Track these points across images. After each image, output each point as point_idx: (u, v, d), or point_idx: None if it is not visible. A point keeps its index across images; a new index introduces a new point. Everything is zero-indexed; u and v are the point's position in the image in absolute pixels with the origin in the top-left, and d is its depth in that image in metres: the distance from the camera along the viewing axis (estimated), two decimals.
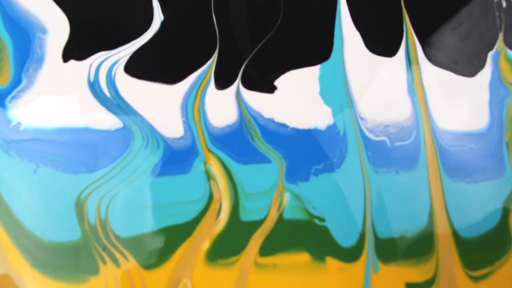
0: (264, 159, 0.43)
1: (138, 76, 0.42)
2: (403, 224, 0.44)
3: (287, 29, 0.44)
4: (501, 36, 0.48)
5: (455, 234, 0.45)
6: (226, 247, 0.42)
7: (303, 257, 0.43)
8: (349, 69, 0.45)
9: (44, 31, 0.42)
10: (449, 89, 0.46)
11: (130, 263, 0.41)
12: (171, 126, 0.42)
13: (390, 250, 0.44)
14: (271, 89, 0.44)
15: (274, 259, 0.43)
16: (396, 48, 0.46)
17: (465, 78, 0.46)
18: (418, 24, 0.46)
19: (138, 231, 0.41)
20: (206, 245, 0.42)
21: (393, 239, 0.44)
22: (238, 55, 0.43)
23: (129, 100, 0.42)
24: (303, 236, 0.43)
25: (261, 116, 0.43)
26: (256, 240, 0.42)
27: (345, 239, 0.43)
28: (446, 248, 0.45)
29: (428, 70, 0.46)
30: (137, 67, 0.42)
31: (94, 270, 0.41)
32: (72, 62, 0.42)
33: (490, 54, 0.47)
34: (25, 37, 0.42)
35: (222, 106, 0.43)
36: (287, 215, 0.43)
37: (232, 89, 0.43)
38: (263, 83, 0.44)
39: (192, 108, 0.43)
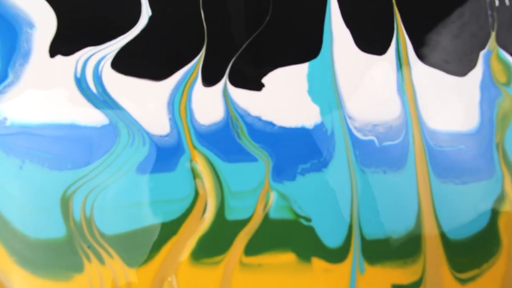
0: (251, 158, 0.43)
1: (125, 72, 0.42)
2: (391, 225, 0.44)
3: (276, 26, 0.43)
4: (493, 35, 0.47)
5: (443, 235, 0.44)
6: (211, 246, 0.42)
7: (289, 257, 0.43)
8: (338, 67, 0.44)
9: (31, 25, 0.41)
10: (440, 88, 0.45)
11: (115, 261, 0.41)
12: (158, 123, 0.42)
13: (376, 251, 0.43)
14: (258, 86, 0.43)
15: (259, 259, 0.42)
16: (386, 47, 0.45)
17: (456, 77, 0.46)
18: (409, 22, 0.45)
19: (123, 229, 0.41)
20: (191, 243, 0.42)
21: (380, 240, 0.44)
22: (226, 52, 0.43)
23: (115, 97, 0.42)
24: (289, 236, 0.43)
25: (248, 114, 0.43)
26: (242, 240, 0.42)
27: (331, 240, 0.43)
28: (433, 250, 0.44)
29: (419, 69, 0.45)
30: (124, 63, 0.42)
31: (79, 268, 0.41)
32: (59, 57, 0.41)
33: (482, 54, 0.47)
34: (12, 31, 0.41)
35: (209, 103, 0.43)
36: (273, 215, 0.43)
37: (219, 86, 0.43)
38: (251, 80, 0.43)
39: (179, 105, 0.42)
